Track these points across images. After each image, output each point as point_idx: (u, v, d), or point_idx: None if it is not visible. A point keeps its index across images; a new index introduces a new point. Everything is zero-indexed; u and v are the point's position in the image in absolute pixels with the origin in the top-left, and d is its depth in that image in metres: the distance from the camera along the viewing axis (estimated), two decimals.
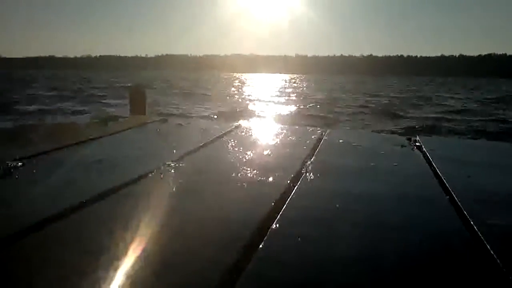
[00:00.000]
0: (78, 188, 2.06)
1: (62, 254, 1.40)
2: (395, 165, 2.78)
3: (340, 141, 3.52)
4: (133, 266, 1.32)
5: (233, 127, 4.00)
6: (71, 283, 1.24)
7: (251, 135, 3.93)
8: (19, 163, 2.42)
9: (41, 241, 1.48)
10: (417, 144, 3.40)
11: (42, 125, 3.68)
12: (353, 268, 1.38)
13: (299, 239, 1.56)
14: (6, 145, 2.96)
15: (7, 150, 2.72)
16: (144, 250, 1.42)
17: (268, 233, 1.58)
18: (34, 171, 2.37)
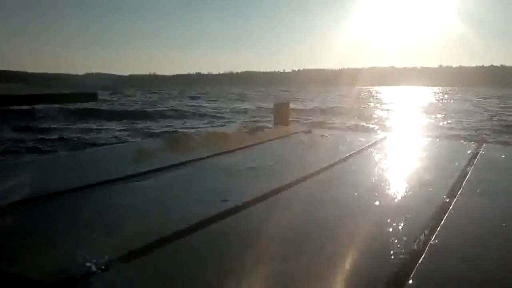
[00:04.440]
0: (231, 193, 2.14)
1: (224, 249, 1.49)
2: None
3: (503, 156, 3.18)
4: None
5: (379, 139, 3.89)
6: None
7: (397, 147, 3.78)
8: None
9: (199, 240, 1.59)
10: None
11: (197, 134, 3.99)
12: None
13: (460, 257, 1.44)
14: (168, 151, 3.27)
15: (169, 156, 3.00)
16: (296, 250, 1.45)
17: (426, 249, 1.49)
18: (189, 175, 2.57)
